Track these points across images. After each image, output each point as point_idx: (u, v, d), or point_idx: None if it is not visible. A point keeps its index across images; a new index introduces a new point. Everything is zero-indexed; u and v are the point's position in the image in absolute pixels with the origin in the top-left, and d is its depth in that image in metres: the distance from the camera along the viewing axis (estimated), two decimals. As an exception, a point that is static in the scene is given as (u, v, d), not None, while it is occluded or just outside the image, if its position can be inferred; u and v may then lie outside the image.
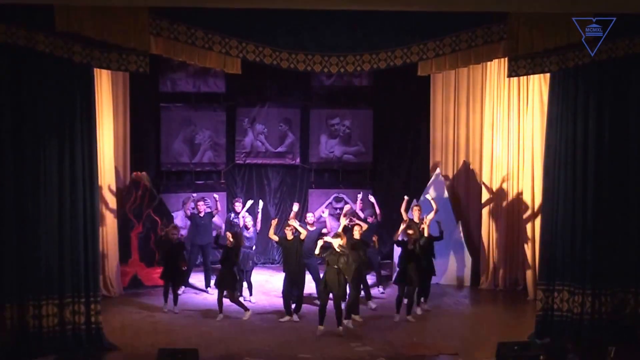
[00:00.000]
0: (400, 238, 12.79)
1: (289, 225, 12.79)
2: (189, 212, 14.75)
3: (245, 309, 12.89)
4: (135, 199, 15.00)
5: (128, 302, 13.97)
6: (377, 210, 14.44)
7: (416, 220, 13.75)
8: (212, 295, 14.29)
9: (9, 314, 10.78)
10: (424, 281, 13.28)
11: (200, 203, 14.68)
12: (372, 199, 14.73)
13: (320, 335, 11.88)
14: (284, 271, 12.94)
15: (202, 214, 14.61)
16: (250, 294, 14.10)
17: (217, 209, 14.86)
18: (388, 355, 11.11)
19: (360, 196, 14.80)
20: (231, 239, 12.83)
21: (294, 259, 12.67)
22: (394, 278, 13.04)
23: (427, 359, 11.09)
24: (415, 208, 14.06)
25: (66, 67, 10.82)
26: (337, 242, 11.95)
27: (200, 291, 14.66)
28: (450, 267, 15.37)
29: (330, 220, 14.51)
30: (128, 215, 14.94)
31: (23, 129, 10.78)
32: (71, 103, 10.98)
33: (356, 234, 12.74)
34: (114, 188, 14.32)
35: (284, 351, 11.33)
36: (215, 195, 15.18)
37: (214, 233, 14.31)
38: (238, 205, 14.73)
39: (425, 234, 13.21)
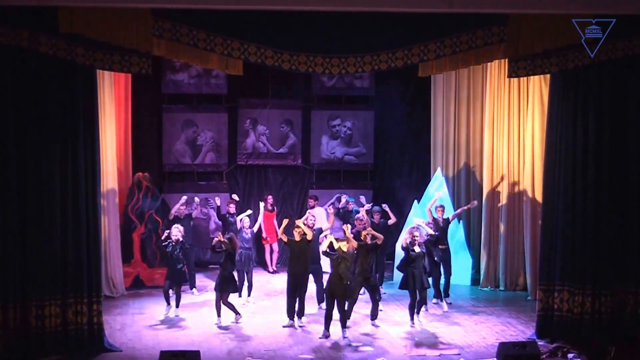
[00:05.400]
0: (406, 244, 12.74)
1: (298, 227, 12.76)
2: (171, 216, 14.48)
3: (237, 312, 12.79)
4: (137, 200, 15.05)
5: (130, 302, 14.01)
6: (392, 217, 14.40)
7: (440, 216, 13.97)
8: (197, 295, 14.47)
9: (12, 314, 10.81)
10: (446, 280, 13.78)
11: (181, 206, 14.56)
12: (386, 207, 14.69)
13: (322, 337, 11.90)
14: (288, 273, 12.91)
15: (182, 217, 14.42)
16: (249, 295, 14.11)
17: (197, 207, 14.89)
18: (389, 356, 11.15)
19: (363, 200, 14.85)
20: (227, 243, 12.80)
21: (300, 261, 12.58)
22: (399, 284, 12.93)
23: (428, 359, 11.12)
24: (438, 209, 14.11)
25: (69, 69, 10.86)
26: (342, 246, 11.91)
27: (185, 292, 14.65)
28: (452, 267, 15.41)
29: (334, 218, 14.55)
30: (130, 216, 14.99)
31: (26, 130, 10.81)
32: (74, 104, 11.01)
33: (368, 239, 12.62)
34: (116, 189, 14.37)
35: (285, 352, 11.36)
36: (196, 199, 15.25)
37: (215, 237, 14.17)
38: (232, 207, 14.79)
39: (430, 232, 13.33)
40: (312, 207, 15.96)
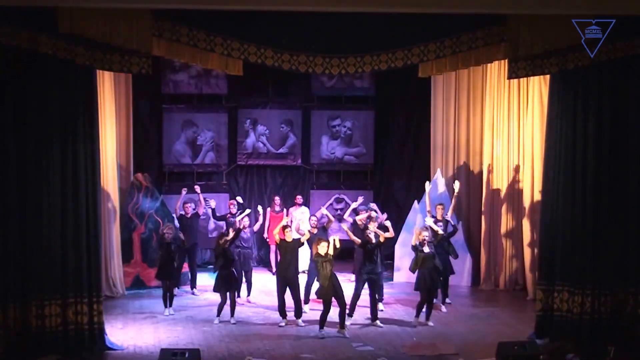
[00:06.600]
0: (416, 243, 12.76)
1: (287, 227, 12.77)
2: (178, 213, 14.73)
3: (232, 315, 12.74)
4: (137, 200, 15.06)
5: (130, 302, 14.03)
6: (380, 216, 14.37)
7: (439, 217, 13.85)
8: (197, 295, 14.52)
9: (12, 314, 10.81)
10: (445, 280, 13.67)
11: (187, 205, 14.69)
12: (373, 205, 14.67)
13: (322, 336, 11.91)
14: (277, 273, 12.94)
15: (188, 215, 14.62)
16: (249, 294, 14.14)
17: (200, 203, 14.93)
18: (389, 355, 11.15)
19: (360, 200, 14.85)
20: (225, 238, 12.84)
21: (290, 263, 12.55)
22: (414, 285, 12.92)
23: (427, 359, 11.12)
24: (438, 207, 14.06)
25: (69, 69, 10.85)
26: (323, 248, 11.89)
27: (187, 292, 14.73)
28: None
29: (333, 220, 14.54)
30: (130, 216, 15.01)
31: (26, 130, 10.81)
32: (74, 104, 11.01)
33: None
34: (116, 189, 14.38)
35: (285, 351, 11.38)
36: (197, 188, 15.15)
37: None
38: (233, 207, 14.82)
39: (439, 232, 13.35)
40: (300, 205, 16.01)
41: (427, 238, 12.68)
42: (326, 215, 14.03)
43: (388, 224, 12.85)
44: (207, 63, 11.30)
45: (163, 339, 11.75)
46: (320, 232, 13.35)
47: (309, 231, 13.05)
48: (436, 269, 12.68)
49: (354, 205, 14.59)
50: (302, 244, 12.78)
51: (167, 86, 16.89)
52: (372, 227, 12.75)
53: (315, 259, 11.95)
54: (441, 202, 14.25)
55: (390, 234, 12.67)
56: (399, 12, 11.17)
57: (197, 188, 15.14)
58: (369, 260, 12.48)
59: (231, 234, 12.86)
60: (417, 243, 12.61)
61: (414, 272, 12.84)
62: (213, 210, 15.09)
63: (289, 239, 12.58)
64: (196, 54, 11.10)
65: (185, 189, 15.07)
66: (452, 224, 13.89)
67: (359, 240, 12.57)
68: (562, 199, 11.70)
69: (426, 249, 12.56)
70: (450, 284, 14.14)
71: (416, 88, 16.92)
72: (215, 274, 13.20)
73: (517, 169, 14.89)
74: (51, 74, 10.86)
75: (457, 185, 14.32)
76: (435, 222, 13.79)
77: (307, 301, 13.27)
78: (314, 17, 11.13)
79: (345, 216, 14.60)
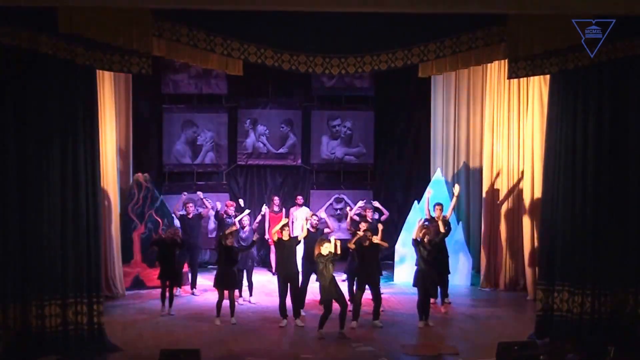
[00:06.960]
0: (417, 237, 12.74)
1: (286, 226, 12.78)
2: (178, 214, 14.81)
3: (232, 314, 12.69)
4: (137, 200, 15.08)
5: (130, 302, 14.04)
6: (385, 212, 14.39)
7: (437, 217, 13.82)
8: (197, 295, 14.54)
9: (12, 314, 10.80)
10: (445, 280, 13.65)
11: (189, 205, 14.77)
12: (376, 203, 14.71)
13: (321, 337, 11.91)
14: (277, 273, 12.95)
15: (190, 216, 14.70)
16: (250, 294, 14.15)
17: (206, 208, 14.97)
18: (389, 355, 11.15)
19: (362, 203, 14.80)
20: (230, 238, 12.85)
21: (289, 260, 12.58)
22: (413, 281, 12.93)
23: (427, 359, 11.12)
24: (437, 207, 14.02)
25: (69, 69, 10.85)
26: (327, 248, 11.92)
27: (187, 293, 14.76)
28: (451, 267, 15.36)
29: (331, 221, 14.54)
30: (130, 216, 15.03)
31: (26, 130, 10.81)
32: (74, 104, 11.01)
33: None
34: (116, 189, 14.38)
35: (285, 351, 11.38)
36: (200, 194, 15.28)
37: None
38: (231, 209, 14.83)
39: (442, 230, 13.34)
40: (301, 205, 16.02)
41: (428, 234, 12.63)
42: (325, 221, 13.95)
43: (380, 228, 12.78)
44: (207, 63, 11.31)
45: (163, 339, 11.75)
46: (320, 233, 13.34)
47: (307, 230, 13.03)
48: (440, 262, 12.69)
49: (360, 204, 14.57)
50: (299, 241, 12.78)
51: (167, 86, 16.92)
52: (363, 227, 12.75)
53: (317, 259, 11.94)
54: (439, 202, 14.23)
55: (377, 238, 12.51)
56: (399, 12, 11.16)
57: (200, 194, 15.23)
58: (364, 262, 12.43)
59: (232, 230, 12.92)
60: (418, 238, 12.60)
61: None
62: (217, 212, 15.05)
63: (285, 238, 12.59)
64: (196, 54, 11.11)
65: (185, 193, 15.21)
66: (449, 223, 13.90)
67: (354, 246, 12.52)
68: (562, 199, 11.70)
69: (427, 246, 12.50)
70: (450, 283, 14.12)
71: (416, 88, 16.94)
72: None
73: (517, 169, 14.89)
74: (51, 74, 10.85)
75: (457, 188, 14.30)
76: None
77: (302, 306, 13.08)
78: (314, 17, 11.13)
79: (351, 213, 14.60)
